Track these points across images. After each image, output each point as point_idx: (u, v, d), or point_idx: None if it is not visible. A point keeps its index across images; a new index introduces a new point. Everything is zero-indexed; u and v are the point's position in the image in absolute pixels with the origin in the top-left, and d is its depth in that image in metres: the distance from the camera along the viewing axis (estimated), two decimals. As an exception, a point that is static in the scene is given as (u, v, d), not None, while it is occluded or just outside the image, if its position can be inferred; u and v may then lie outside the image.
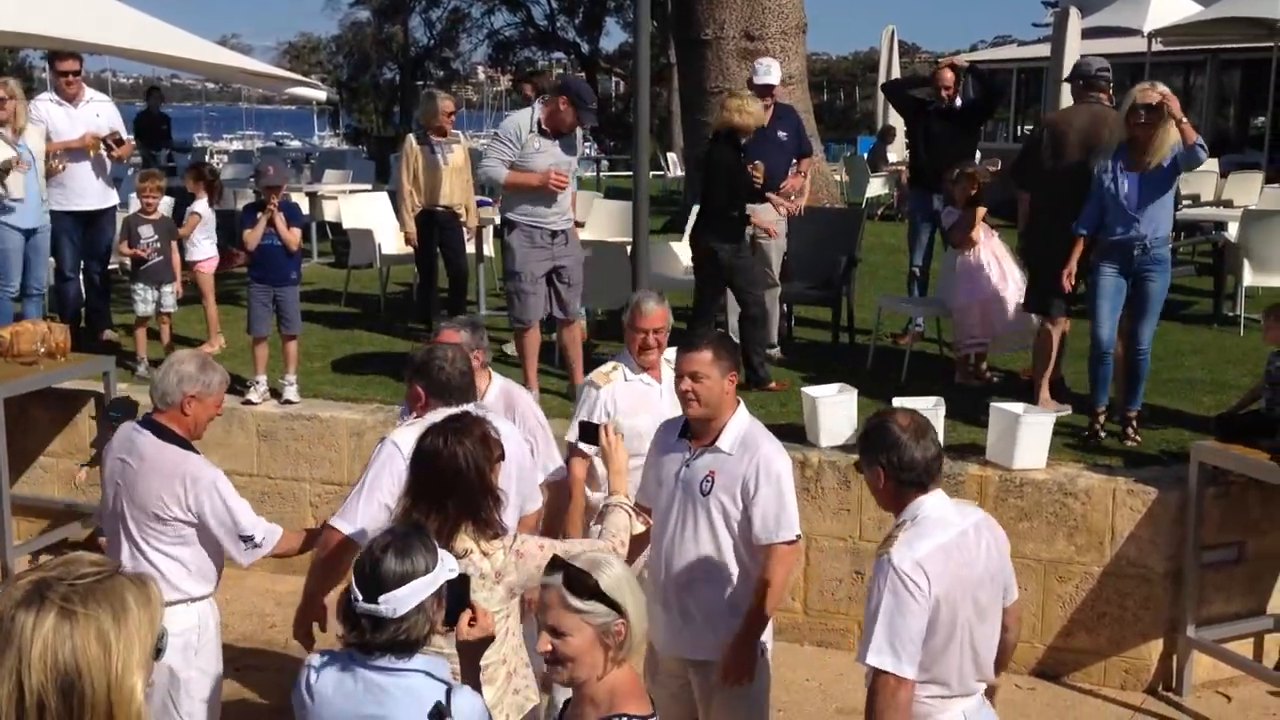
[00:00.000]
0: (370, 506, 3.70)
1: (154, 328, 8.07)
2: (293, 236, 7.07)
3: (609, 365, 4.75)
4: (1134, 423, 6.24)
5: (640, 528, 3.72)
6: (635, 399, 4.62)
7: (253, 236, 7.01)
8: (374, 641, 2.64)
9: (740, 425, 3.86)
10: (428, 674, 2.66)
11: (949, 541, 3.19)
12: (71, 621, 1.73)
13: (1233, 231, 9.36)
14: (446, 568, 2.75)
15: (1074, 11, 13.07)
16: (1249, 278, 8.91)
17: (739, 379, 3.95)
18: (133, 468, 3.96)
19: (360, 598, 2.64)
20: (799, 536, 3.85)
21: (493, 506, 3.23)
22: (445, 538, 3.16)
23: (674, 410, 4.25)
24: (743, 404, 3.95)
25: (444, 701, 2.62)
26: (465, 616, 2.86)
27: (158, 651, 1.83)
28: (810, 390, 6.31)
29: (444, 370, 3.85)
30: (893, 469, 3.23)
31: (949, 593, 3.16)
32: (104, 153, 8.16)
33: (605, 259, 7.78)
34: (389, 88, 44.73)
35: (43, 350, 6.75)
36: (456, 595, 2.85)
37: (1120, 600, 5.67)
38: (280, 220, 7.00)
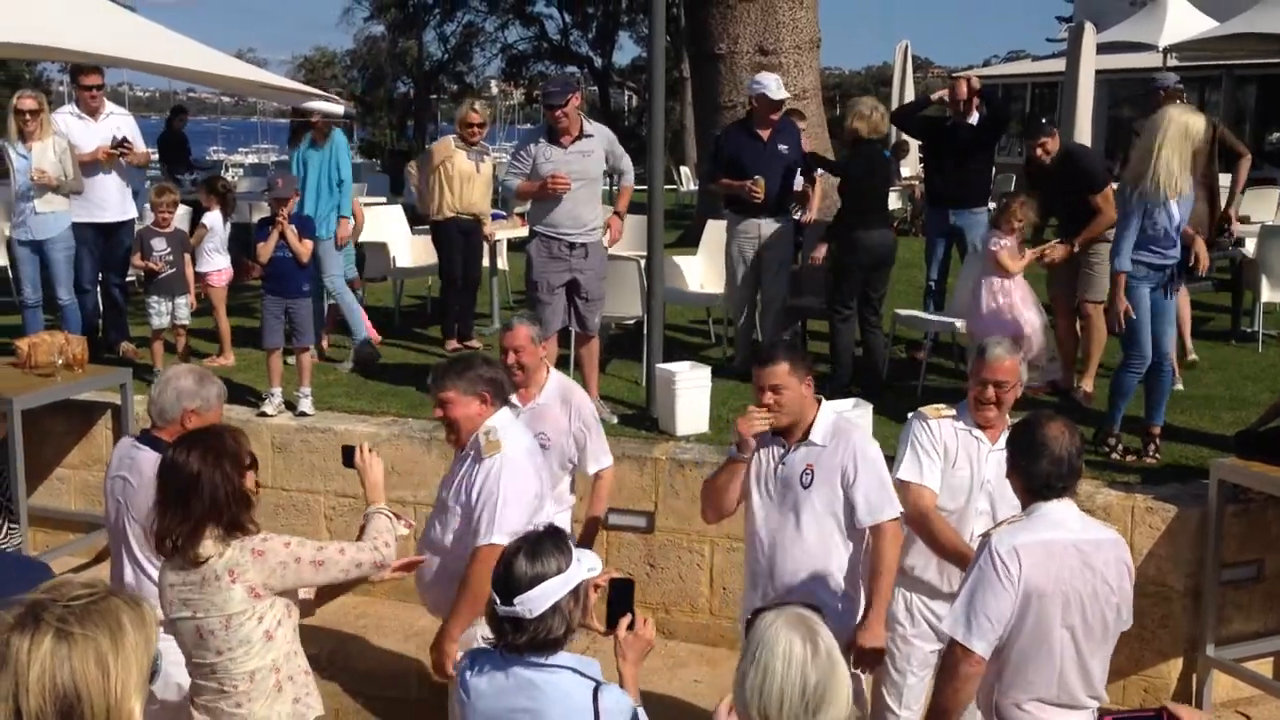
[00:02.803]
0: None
1: (170, 340, 8.09)
2: (303, 249, 7.09)
3: (942, 405, 4.35)
4: (1156, 439, 6.21)
5: (404, 530, 3.76)
6: (957, 446, 4.19)
7: (265, 250, 7.05)
8: (516, 643, 2.75)
9: (829, 418, 4.02)
10: (576, 671, 2.77)
11: (1056, 542, 3.26)
12: (69, 643, 1.70)
13: (1250, 247, 9.32)
14: (585, 567, 2.84)
15: (1089, 27, 13.03)
16: (1267, 293, 8.85)
17: (813, 377, 4.06)
18: (132, 485, 3.93)
19: (498, 601, 2.75)
20: (902, 513, 3.95)
21: (240, 510, 3.28)
22: (189, 541, 3.24)
23: (997, 475, 3.93)
24: (824, 400, 4.07)
25: (593, 697, 2.72)
26: (624, 621, 2.96)
27: (152, 674, 1.81)
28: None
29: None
30: (1019, 470, 3.39)
31: (1044, 592, 3.21)
32: (120, 159, 8.22)
33: (619, 273, 7.78)
34: (403, 101, 44.86)
35: (60, 362, 6.77)
36: (616, 598, 2.97)
37: (1139, 619, 5.57)
38: (291, 233, 7.03)
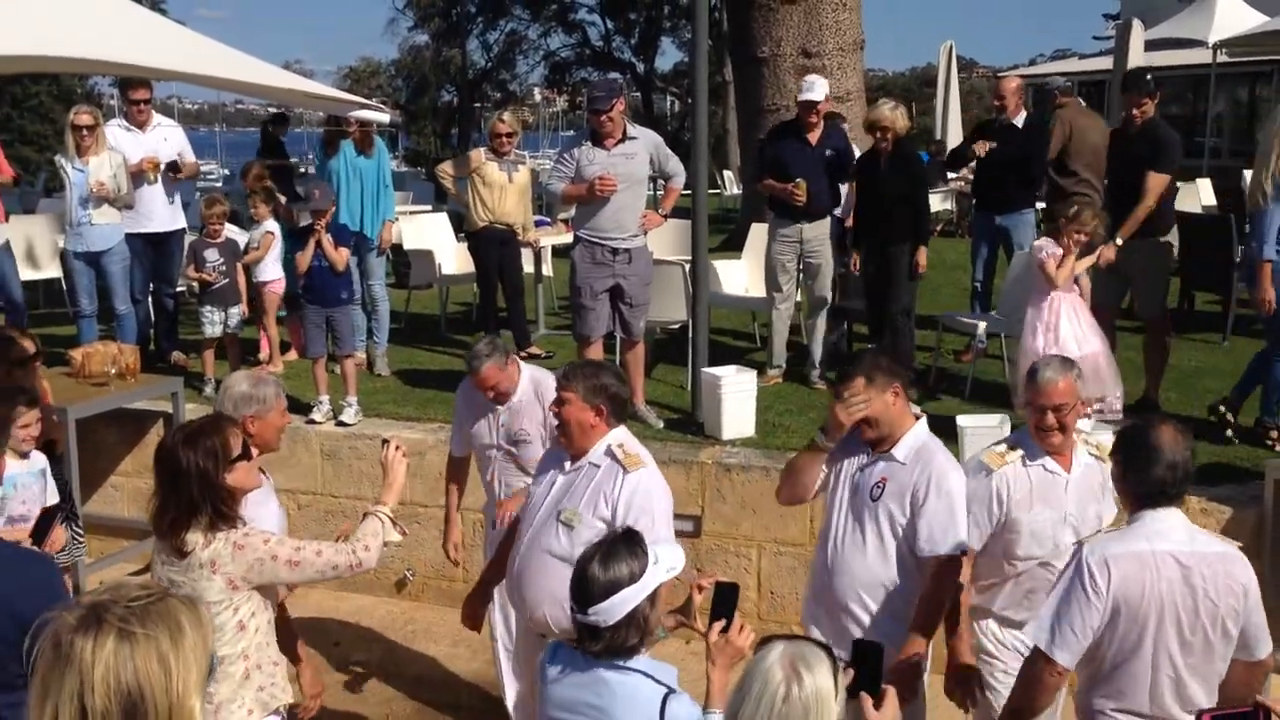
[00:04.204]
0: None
1: (220, 349, 8.19)
2: (339, 257, 7.16)
3: (1003, 445, 4.10)
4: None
5: (397, 537, 3.75)
6: (1032, 489, 3.96)
7: (303, 260, 7.12)
8: (592, 650, 2.79)
9: (917, 437, 3.88)
10: (649, 676, 2.78)
11: (1152, 553, 3.15)
12: (131, 643, 1.73)
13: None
14: (664, 568, 2.84)
15: (1137, 24, 12.91)
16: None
17: (905, 388, 3.90)
18: None
19: (574, 608, 2.79)
20: (964, 552, 3.81)
21: (220, 503, 3.35)
22: (173, 530, 3.33)
23: (1076, 505, 3.93)
24: (924, 418, 3.95)
25: (661, 705, 2.74)
26: (717, 626, 2.95)
27: (209, 672, 1.84)
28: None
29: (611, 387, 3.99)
30: (1129, 478, 3.26)
31: (1135, 603, 3.12)
32: (165, 173, 8.36)
33: (663, 277, 7.78)
34: (447, 110, 45.19)
35: (113, 371, 6.88)
36: (718, 602, 2.98)
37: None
38: (327, 242, 7.09)
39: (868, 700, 2.52)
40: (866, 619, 3.84)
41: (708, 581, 3.19)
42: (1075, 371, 3.94)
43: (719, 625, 2.96)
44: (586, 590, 2.76)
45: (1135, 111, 6.98)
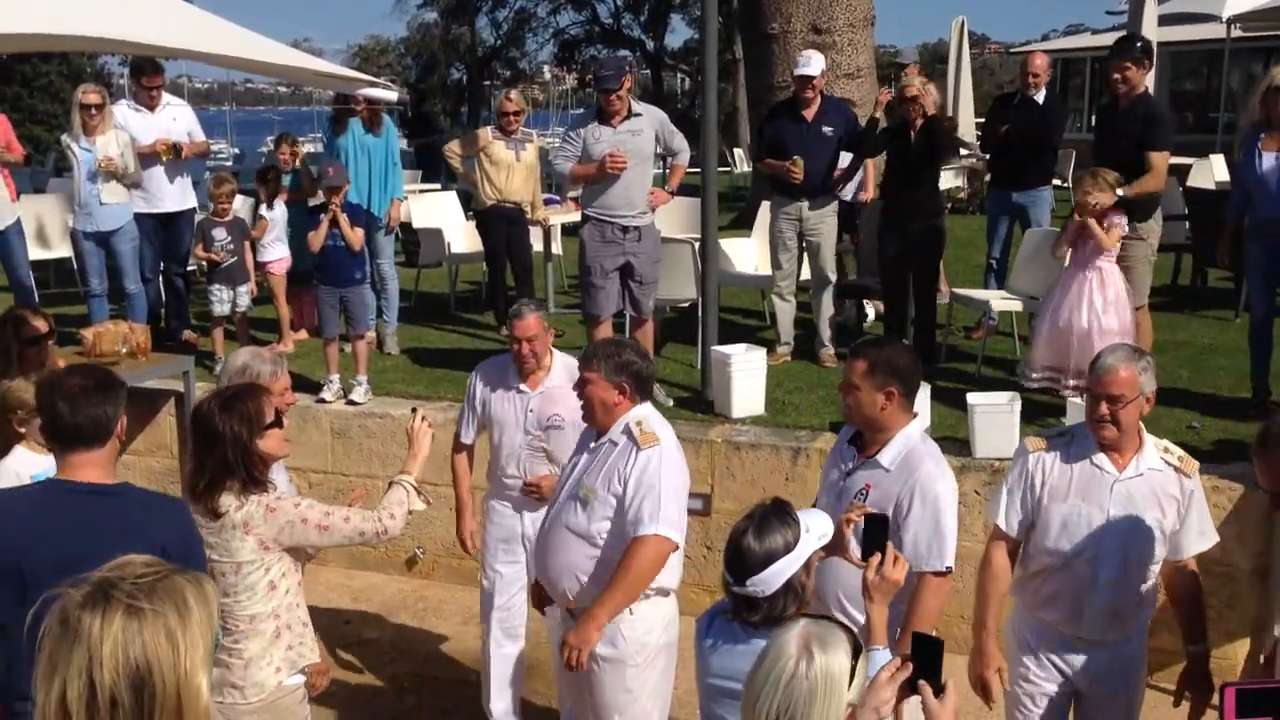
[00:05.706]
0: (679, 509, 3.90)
1: (230, 328, 8.21)
2: (355, 237, 7.14)
3: (1057, 429, 3.89)
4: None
5: (421, 505, 3.90)
6: (1071, 480, 3.69)
7: (316, 238, 7.09)
8: (751, 620, 2.81)
9: (906, 442, 3.66)
10: None
11: None
12: (139, 619, 1.74)
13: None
14: (816, 535, 2.86)
15: (1150, -2, 12.77)
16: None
17: (901, 393, 3.64)
18: None
19: (731, 581, 2.80)
20: (950, 569, 3.60)
21: (252, 468, 3.48)
22: (206, 493, 3.44)
23: (1123, 508, 3.62)
24: (917, 420, 3.74)
25: None
26: (874, 561, 2.95)
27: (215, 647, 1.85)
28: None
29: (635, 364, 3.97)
30: None
31: None
32: (175, 156, 8.37)
33: (673, 255, 7.76)
34: (456, 88, 45.08)
35: (124, 350, 6.89)
36: (869, 536, 2.98)
37: (1205, 599, 5.53)
38: (343, 221, 7.08)
39: (927, 689, 2.46)
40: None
41: (857, 515, 3.20)
42: (1142, 363, 3.60)
43: (875, 560, 2.95)
44: (743, 562, 2.77)
45: (1116, 76, 6.56)
